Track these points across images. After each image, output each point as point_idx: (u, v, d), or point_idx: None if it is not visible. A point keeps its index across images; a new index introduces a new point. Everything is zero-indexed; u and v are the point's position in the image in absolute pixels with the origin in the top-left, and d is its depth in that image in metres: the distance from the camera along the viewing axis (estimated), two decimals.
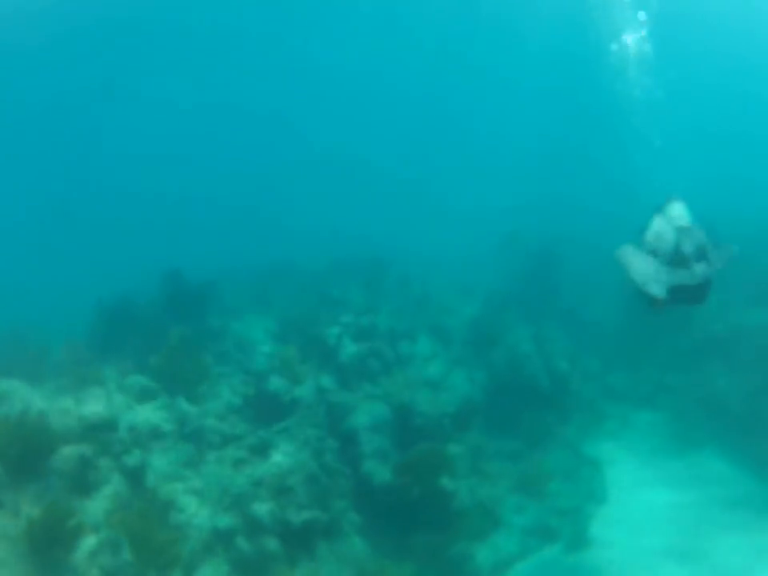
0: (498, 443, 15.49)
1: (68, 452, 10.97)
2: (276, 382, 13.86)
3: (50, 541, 9.29)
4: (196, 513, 11.51)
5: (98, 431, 12.37)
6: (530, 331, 18.34)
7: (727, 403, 16.62)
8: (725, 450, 15.98)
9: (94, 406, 12.91)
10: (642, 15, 13.69)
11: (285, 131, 52.77)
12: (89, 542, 9.69)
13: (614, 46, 13.59)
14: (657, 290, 8.17)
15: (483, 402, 16.35)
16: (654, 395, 18.37)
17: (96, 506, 10.98)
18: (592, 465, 15.51)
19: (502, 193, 32.51)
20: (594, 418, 17.41)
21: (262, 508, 11.03)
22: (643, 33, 13.50)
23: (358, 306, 17.37)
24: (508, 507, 13.80)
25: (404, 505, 11.96)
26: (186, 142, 48.59)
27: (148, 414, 13.24)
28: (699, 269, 8.29)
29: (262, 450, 12.62)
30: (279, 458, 11.96)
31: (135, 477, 11.88)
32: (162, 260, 20.52)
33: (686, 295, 8.38)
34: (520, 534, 13.29)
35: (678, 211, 9.29)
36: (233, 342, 17.44)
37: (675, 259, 8.35)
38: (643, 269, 8.40)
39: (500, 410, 16.27)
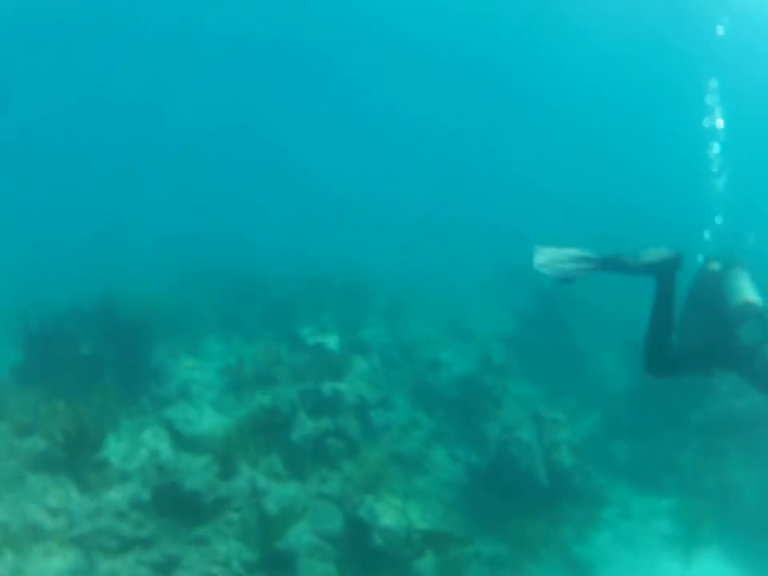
0: (477, 545, 11.87)
1: None
2: (199, 478, 10.08)
3: None
4: None
5: None
6: (532, 401, 14.85)
7: (743, 497, 13.27)
8: (734, 554, 12.49)
9: None
10: None
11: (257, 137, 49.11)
12: None
13: None
14: None
15: (466, 491, 12.83)
16: (659, 475, 14.65)
17: None
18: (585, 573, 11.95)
19: (506, 218, 28.92)
20: (592, 507, 13.78)
21: None
22: None
23: (326, 359, 13.65)
24: None
25: None
26: (154, 141, 44.52)
27: (29, 502, 9.77)
28: None
29: (166, 571, 9.09)
30: None
31: None
32: (108, 274, 17.12)
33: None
34: None
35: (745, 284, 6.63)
36: (175, 386, 14.00)
37: None
38: None
39: (484, 502, 12.69)
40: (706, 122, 9.82)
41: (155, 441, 11.79)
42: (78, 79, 45.01)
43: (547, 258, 6.19)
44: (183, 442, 11.72)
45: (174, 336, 16.37)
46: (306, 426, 11.32)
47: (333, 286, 19.83)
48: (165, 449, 11.41)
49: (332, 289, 19.62)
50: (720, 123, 9.71)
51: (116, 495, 10.23)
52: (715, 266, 7.01)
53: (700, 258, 7.35)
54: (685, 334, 6.91)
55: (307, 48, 49.08)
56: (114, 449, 11.82)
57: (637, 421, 15.73)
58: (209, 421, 12.79)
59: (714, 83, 10.10)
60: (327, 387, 11.87)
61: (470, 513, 12.67)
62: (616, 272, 6.35)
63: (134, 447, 11.76)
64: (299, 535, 9.59)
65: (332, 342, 14.91)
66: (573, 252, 6.25)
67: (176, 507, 9.91)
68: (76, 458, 10.82)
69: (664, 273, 6.19)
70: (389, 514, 10.18)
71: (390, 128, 51.41)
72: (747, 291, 6.47)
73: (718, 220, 8.43)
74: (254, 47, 48.41)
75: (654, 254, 6.18)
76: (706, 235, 8.19)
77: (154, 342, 15.39)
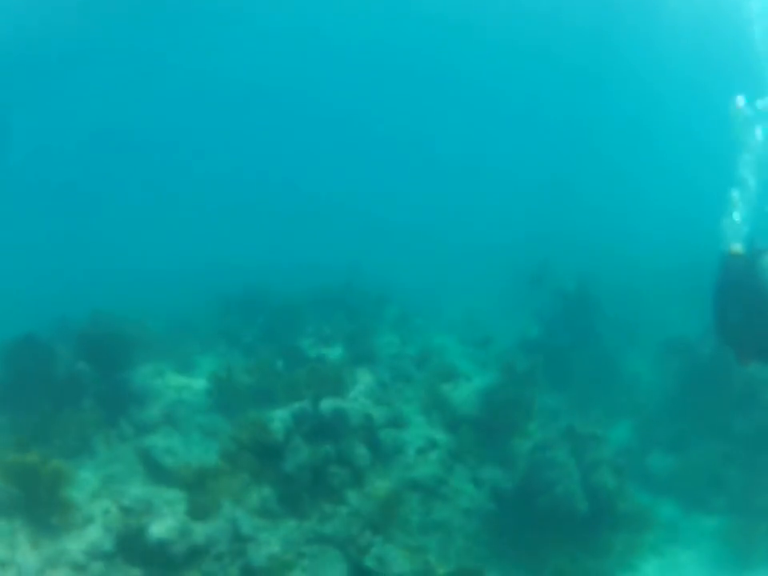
0: None
1: None
2: (171, 521, 8.02)
3: None
4: None
5: None
6: (561, 413, 12.80)
7: None
8: None
9: None
10: None
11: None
12: None
13: None
14: None
15: (493, 521, 10.74)
16: (705, 492, 12.52)
17: None
18: None
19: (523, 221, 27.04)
20: (635, 531, 11.61)
21: None
22: None
23: (327, 372, 11.55)
24: None
25: None
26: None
27: None
28: None
29: None
30: None
31: None
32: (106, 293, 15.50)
33: None
34: None
35: None
36: (160, 409, 12.04)
37: None
38: None
39: (515, 533, 10.60)
40: None
41: (127, 474, 9.80)
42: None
43: None
44: (161, 474, 9.71)
45: (165, 353, 14.53)
46: (301, 453, 9.17)
47: (338, 295, 17.89)
48: (137, 484, 9.38)
49: (338, 298, 17.67)
50: None
51: (75, 543, 8.25)
52: (738, 249, 6.71)
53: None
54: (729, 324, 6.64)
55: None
56: (84, 484, 9.90)
57: (675, 431, 13.78)
58: (195, 448, 10.82)
59: None
60: (327, 405, 9.71)
61: (499, 546, 10.68)
62: None
63: (105, 482, 9.81)
64: None
65: (335, 353, 12.87)
66: None
67: (143, 557, 7.90)
68: (35, 496, 8.85)
69: None
70: (402, 558, 8.11)
71: (401, 137, 50.07)
72: None
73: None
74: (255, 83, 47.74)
75: None
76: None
77: (142, 361, 13.54)
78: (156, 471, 9.88)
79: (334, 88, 50.04)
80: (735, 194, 6.94)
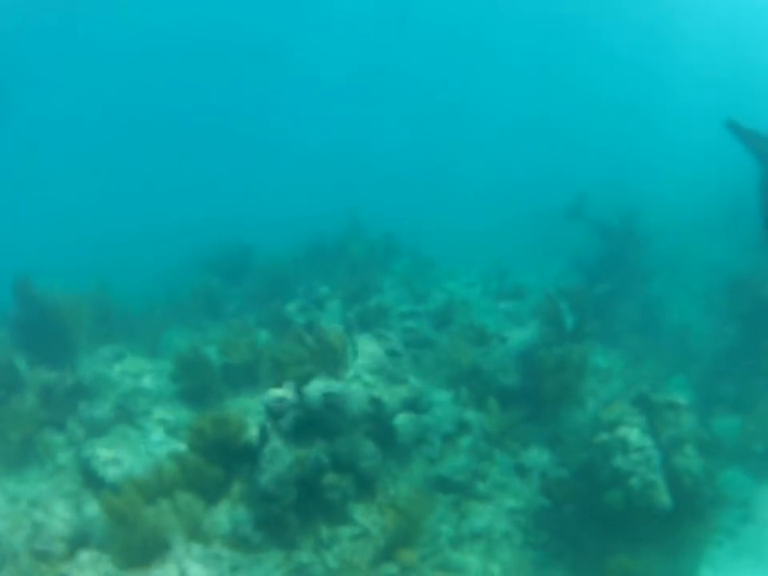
0: None
1: None
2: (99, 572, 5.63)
3: None
4: None
5: None
6: (620, 376, 10.52)
7: None
8: None
9: None
10: None
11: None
12: None
13: None
14: None
15: (546, 522, 8.40)
16: None
17: None
18: None
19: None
20: (708, 512, 9.39)
21: None
22: None
23: (320, 343, 9.04)
24: None
25: None
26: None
27: None
28: None
29: None
30: None
31: None
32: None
33: None
34: None
35: None
36: (114, 402, 9.65)
37: None
38: None
39: (574, 535, 8.27)
40: None
41: (62, 495, 7.44)
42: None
43: None
44: (102, 494, 7.30)
45: (131, 331, 12.23)
46: (283, 460, 6.70)
47: (337, 248, 15.53)
48: (67, 509, 6.99)
49: (336, 251, 15.32)
50: None
51: None
52: None
53: None
54: None
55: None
56: (7, 509, 7.59)
57: (738, 385, 12.02)
58: (154, 451, 8.43)
59: None
60: (315, 391, 7.18)
61: (556, 550, 8.33)
62: None
63: (30, 508, 7.46)
64: None
65: (332, 316, 10.37)
66: None
67: None
68: None
69: None
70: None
71: (405, 76, 47.59)
72: None
73: None
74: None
75: None
76: None
77: (98, 342, 11.21)
78: (97, 489, 7.48)
79: (335, 37, 47.87)
80: None
